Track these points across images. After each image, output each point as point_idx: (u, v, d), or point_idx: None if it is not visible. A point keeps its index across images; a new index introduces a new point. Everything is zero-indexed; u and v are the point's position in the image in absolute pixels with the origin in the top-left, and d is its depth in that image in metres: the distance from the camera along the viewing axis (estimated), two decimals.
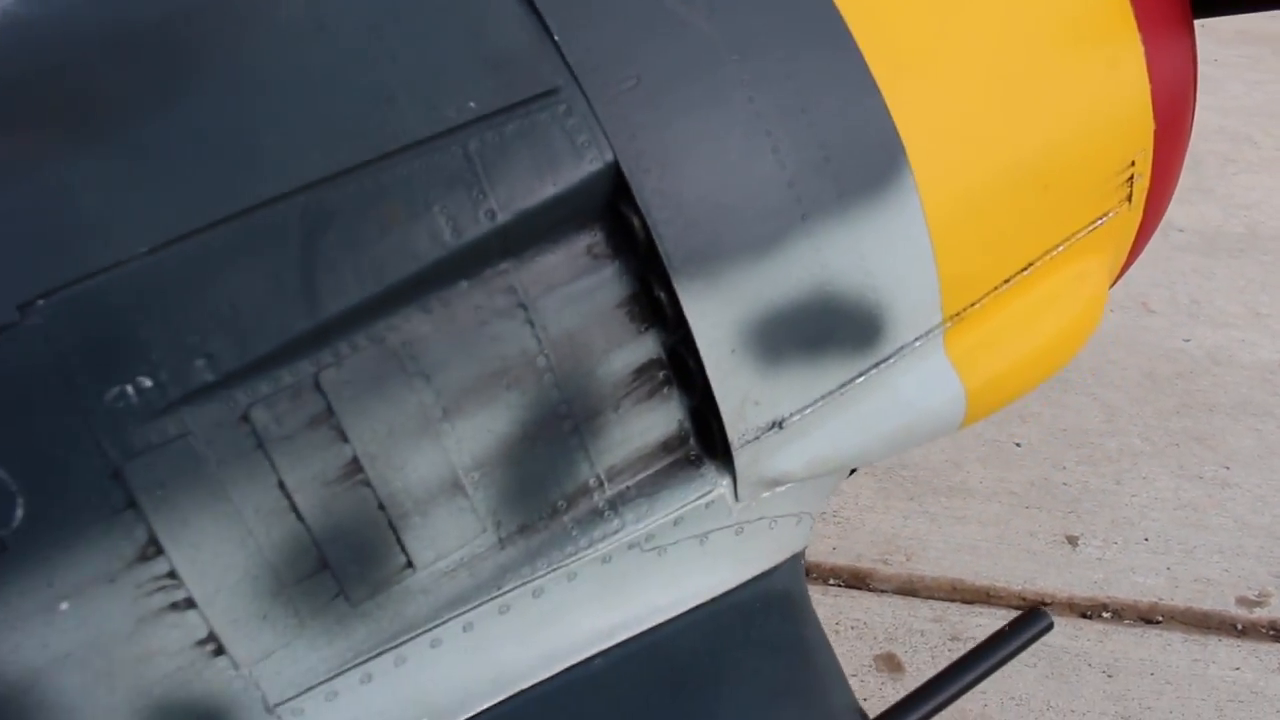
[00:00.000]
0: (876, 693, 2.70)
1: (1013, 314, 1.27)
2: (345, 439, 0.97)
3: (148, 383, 0.90)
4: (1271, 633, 2.90)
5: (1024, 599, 2.93)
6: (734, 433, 1.11)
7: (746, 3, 1.09)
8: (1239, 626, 2.90)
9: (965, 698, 2.73)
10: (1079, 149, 1.25)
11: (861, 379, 1.17)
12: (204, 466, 0.92)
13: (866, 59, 1.10)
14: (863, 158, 1.10)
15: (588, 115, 1.01)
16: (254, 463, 0.94)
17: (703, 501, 1.15)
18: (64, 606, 0.90)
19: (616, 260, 1.07)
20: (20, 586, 0.88)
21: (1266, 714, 2.68)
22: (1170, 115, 1.33)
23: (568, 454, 1.08)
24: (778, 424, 1.13)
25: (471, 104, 0.98)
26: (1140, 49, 1.27)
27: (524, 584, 1.08)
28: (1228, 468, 3.40)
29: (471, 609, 1.07)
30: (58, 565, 0.89)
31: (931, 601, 2.97)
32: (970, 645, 2.90)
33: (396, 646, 1.04)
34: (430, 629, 1.05)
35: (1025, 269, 1.26)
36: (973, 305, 1.22)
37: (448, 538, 1.03)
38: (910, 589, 2.94)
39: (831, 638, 1.28)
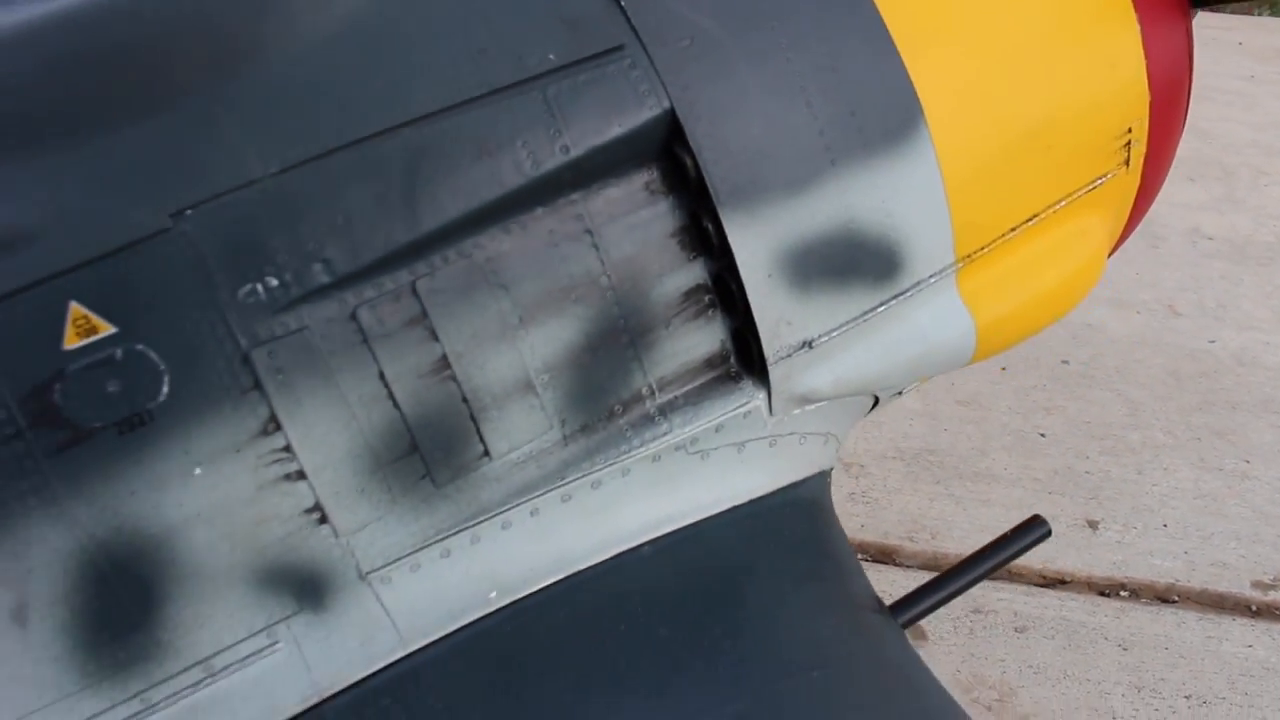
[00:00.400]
0: None
1: (1019, 260, 1.43)
2: (436, 339, 1.14)
3: (274, 282, 1.07)
4: None
5: (1044, 576, 3.04)
6: (770, 349, 1.28)
7: None
8: (1253, 608, 3.00)
9: (985, 664, 2.86)
10: (1079, 114, 1.41)
11: (883, 308, 1.33)
12: (317, 356, 1.09)
13: (889, 27, 1.28)
14: (885, 113, 1.28)
15: (649, 69, 1.19)
16: (359, 355, 1.11)
17: (741, 412, 1.31)
18: (198, 471, 1.06)
19: (670, 196, 1.24)
20: (162, 451, 1.05)
21: (1278, 689, 2.78)
22: (1165, 90, 1.48)
23: (625, 364, 1.25)
24: (808, 343, 1.30)
25: (551, 56, 1.17)
26: (1137, 28, 1.43)
27: (584, 476, 1.25)
28: (1248, 461, 3.50)
29: (538, 496, 1.23)
30: (194, 435, 1.05)
31: None
32: (992, 618, 3.01)
33: (472, 526, 1.20)
34: (502, 512, 1.22)
35: (1030, 220, 1.42)
36: (983, 249, 1.39)
37: (519, 432, 1.20)
38: (934, 564, 3.04)
39: None
